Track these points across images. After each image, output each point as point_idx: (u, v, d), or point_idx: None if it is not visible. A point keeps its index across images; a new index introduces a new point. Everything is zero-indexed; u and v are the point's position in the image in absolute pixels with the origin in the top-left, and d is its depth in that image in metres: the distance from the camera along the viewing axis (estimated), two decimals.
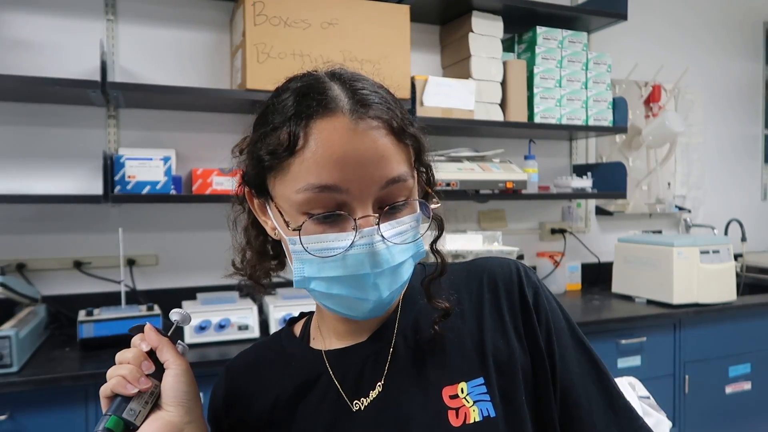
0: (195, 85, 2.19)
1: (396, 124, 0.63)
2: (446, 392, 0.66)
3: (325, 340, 0.75)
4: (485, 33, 2.40)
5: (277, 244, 0.76)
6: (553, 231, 2.88)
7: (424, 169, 0.71)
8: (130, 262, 2.17)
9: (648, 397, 1.00)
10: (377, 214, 0.62)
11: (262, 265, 0.76)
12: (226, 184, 2.06)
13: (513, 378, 0.67)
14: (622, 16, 2.56)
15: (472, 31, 2.38)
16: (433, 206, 0.68)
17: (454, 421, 0.63)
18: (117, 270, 2.01)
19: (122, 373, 0.64)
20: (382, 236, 0.62)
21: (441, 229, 0.70)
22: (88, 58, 2.07)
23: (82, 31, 2.10)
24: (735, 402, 2.47)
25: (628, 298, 2.55)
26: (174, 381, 0.65)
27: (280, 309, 1.96)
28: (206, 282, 2.25)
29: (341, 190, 0.60)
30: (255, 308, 1.95)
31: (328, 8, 2.07)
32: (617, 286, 2.64)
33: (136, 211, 2.18)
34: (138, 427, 0.63)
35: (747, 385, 2.49)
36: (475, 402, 0.64)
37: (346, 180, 0.60)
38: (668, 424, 1.28)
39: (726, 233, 3.10)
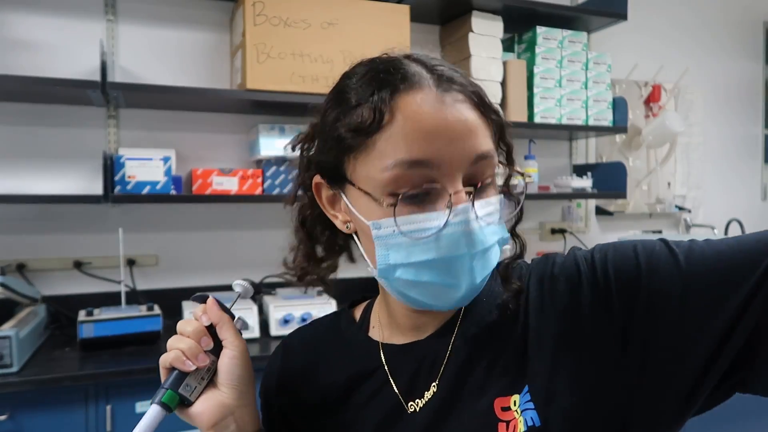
0: (195, 85, 2.19)
1: (480, 98, 0.61)
2: (498, 403, 0.62)
3: (384, 331, 0.72)
4: (485, 33, 2.40)
5: (342, 241, 0.73)
6: (553, 231, 2.88)
7: (504, 149, 0.66)
8: (130, 262, 2.17)
9: None
10: (470, 191, 0.59)
11: (321, 265, 0.73)
12: (226, 184, 2.06)
13: (557, 379, 0.61)
14: (622, 16, 2.56)
15: (472, 31, 2.37)
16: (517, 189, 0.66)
17: None
18: (117, 270, 2.01)
19: (182, 347, 0.64)
20: (476, 214, 0.58)
21: (521, 212, 0.67)
22: (88, 58, 2.07)
23: (82, 31, 2.10)
24: (735, 402, 2.45)
25: None
26: (230, 363, 0.66)
27: (280, 309, 1.96)
28: (206, 282, 2.25)
29: (432, 165, 0.57)
30: (255, 308, 1.95)
31: (328, 8, 2.07)
32: None
33: (136, 211, 2.18)
34: (192, 403, 0.65)
35: None
36: (522, 412, 0.60)
37: (437, 154, 0.57)
38: None
39: (726, 233, 3.10)
